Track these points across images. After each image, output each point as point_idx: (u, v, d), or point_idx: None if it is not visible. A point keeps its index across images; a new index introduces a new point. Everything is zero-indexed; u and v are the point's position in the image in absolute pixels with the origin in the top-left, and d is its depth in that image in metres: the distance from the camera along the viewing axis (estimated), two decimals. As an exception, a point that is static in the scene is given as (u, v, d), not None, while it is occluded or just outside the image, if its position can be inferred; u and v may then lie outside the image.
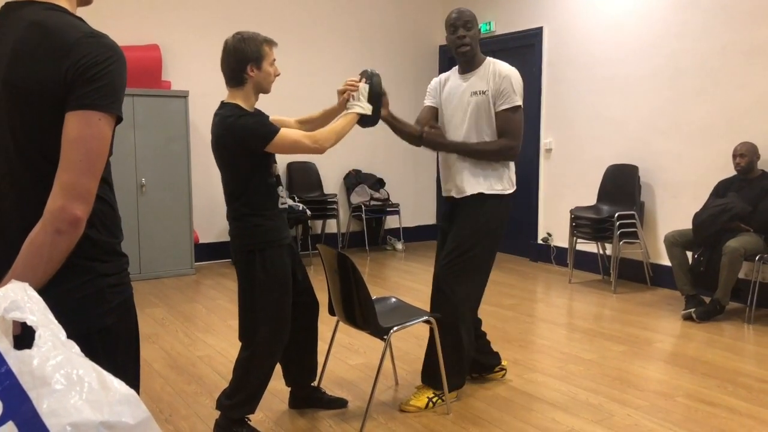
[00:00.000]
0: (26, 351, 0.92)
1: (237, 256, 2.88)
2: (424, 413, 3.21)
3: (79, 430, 0.83)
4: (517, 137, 3.17)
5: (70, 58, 1.32)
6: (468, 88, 3.23)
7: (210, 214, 6.79)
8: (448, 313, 3.21)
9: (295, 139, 2.74)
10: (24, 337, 1.00)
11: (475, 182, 3.23)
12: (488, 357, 3.58)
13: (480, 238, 3.21)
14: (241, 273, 2.89)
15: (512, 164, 3.35)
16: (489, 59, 3.27)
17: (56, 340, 0.93)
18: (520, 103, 3.18)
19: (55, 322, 0.96)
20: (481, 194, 3.22)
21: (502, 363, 3.64)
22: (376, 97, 2.95)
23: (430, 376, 3.32)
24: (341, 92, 3.00)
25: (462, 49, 3.18)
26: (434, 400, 3.27)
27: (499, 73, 3.18)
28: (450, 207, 3.36)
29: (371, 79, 2.97)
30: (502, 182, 3.26)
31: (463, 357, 3.28)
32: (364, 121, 2.97)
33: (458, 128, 3.27)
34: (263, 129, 2.71)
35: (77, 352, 0.93)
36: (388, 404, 3.34)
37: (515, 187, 3.35)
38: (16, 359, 0.90)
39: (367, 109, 2.92)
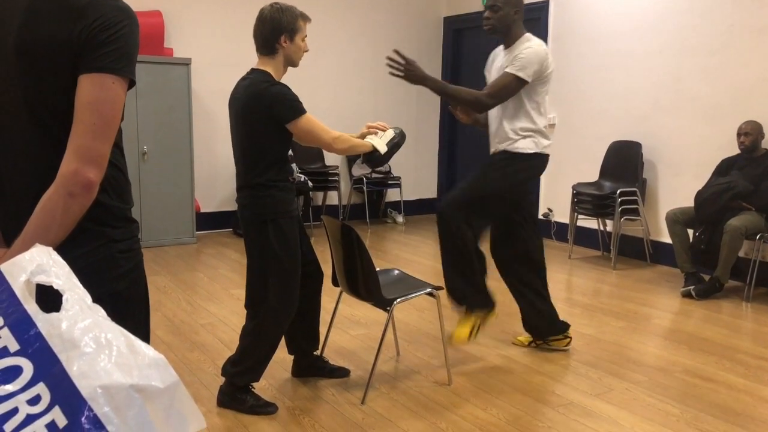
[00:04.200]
0: (54, 314, 0.93)
1: (249, 226, 2.88)
2: (424, 384, 3.25)
3: (110, 393, 0.84)
4: (493, 96, 3.31)
5: (82, 21, 1.31)
6: (505, 63, 3.40)
7: (211, 183, 6.78)
8: None
9: (319, 126, 2.82)
10: (50, 300, 1.01)
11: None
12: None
13: None
14: (252, 242, 2.89)
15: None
16: (525, 36, 3.40)
17: (83, 304, 0.93)
18: (517, 74, 3.29)
19: (81, 286, 0.96)
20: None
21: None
22: (395, 148, 3.08)
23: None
24: (368, 127, 3.08)
25: (485, 27, 3.42)
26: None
27: (522, 47, 3.35)
28: None
29: (398, 132, 3.09)
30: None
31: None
32: (372, 158, 3.05)
33: None
34: (295, 103, 2.76)
35: (104, 316, 0.94)
36: (389, 374, 3.37)
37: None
38: (45, 322, 0.91)
39: (381, 148, 3.02)
